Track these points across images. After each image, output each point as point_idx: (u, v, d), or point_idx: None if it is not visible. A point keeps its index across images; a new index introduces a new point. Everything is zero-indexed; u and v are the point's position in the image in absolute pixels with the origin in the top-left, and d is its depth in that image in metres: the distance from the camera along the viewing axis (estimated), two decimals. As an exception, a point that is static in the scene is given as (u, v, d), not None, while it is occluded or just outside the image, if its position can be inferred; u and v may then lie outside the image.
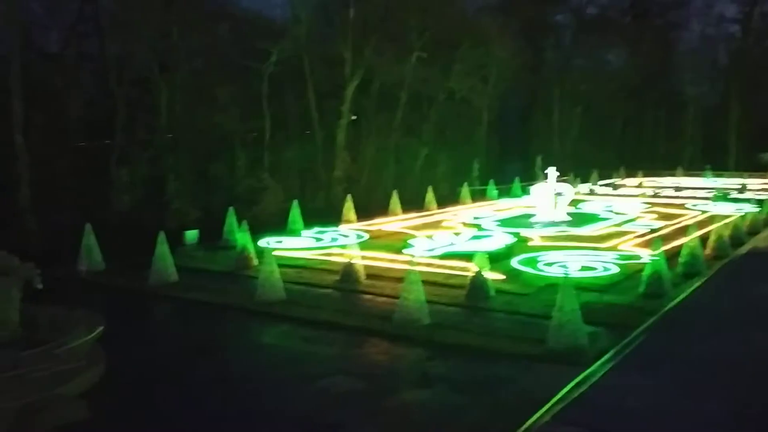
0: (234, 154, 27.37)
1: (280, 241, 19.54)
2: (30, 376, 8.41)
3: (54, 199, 21.69)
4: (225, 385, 9.83)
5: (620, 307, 13.06)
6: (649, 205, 28.62)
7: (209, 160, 26.68)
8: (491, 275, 14.13)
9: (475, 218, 24.73)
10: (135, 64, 25.81)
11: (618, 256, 17.24)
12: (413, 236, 20.55)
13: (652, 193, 33.72)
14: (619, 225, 22.91)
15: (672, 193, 34.00)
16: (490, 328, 12.02)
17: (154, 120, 25.76)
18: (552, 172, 24.47)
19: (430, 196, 28.46)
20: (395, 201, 26.67)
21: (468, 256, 15.45)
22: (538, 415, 6.21)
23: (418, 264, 14.19)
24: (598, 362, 8.30)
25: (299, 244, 19.48)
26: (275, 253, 15.18)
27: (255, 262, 16.72)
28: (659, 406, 6.68)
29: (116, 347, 9.84)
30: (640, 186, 37.79)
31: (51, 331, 9.36)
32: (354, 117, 32.73)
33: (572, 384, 7.96)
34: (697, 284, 14.90)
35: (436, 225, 23.26)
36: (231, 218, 20.09)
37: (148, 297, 15.12)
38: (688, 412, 6.62)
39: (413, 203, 27.69)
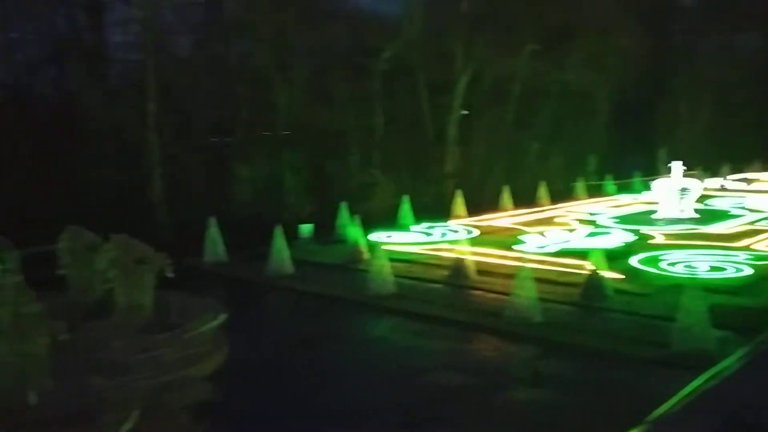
0: (347, 150, 28.00)
1: (390, 236, 19.80)
2: (162, 358, 9.07)
3: (182, 194, 23.19)
4: (336, 373, 10.12)
5: (753, 310, 12.09)
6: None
7: (324, 156, 27.48)
8: (609, 274, 13.56)
9: (592, 214, 23.80)
10: (255, 64, 27.04)
11: (751, 257, 15.99)
12: (525, 232, 20.11)
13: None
14: (752, 223, 21.23)
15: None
16: (607, 329, 11.55)
17: (272, 118, 26.88)
18: (677, 165, 23.06)
19: (542, 191, 27.70)
20: (506, 196, 26.21)
21: (583, 254, 14.90)
22: (667, 405, 5.95)
23: (530, 261, 13.88)
24: (729, 359, 7.81)
25: (409, 239, 19.64)
26: (385, 247, 15.40)
27: (366, 256, 17.05)
28: None
29: (236, 335, 10.41)
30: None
31: (180, 317, 10.05)
32: (465, 112, 32.46)
33: (703, 378, 7.53)
34: None
35: (548, 221, 22.63)
36: (343, 213, 20.61)
37: (265, 287, 15.85)
38: None
39: (525, 199, 27.09)
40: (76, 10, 23.92)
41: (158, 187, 22.49)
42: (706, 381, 6.99)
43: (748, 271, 14.72)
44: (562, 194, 29.59)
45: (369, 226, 19.67)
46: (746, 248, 17.19)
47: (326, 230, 20.80)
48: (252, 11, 26.28)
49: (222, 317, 10.09)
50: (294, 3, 26.37)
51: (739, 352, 9.19)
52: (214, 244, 17.95)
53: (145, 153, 22.54)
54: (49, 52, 24.18)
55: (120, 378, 8.39)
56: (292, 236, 19.00)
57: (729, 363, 7.52)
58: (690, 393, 6.39)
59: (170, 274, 9.77)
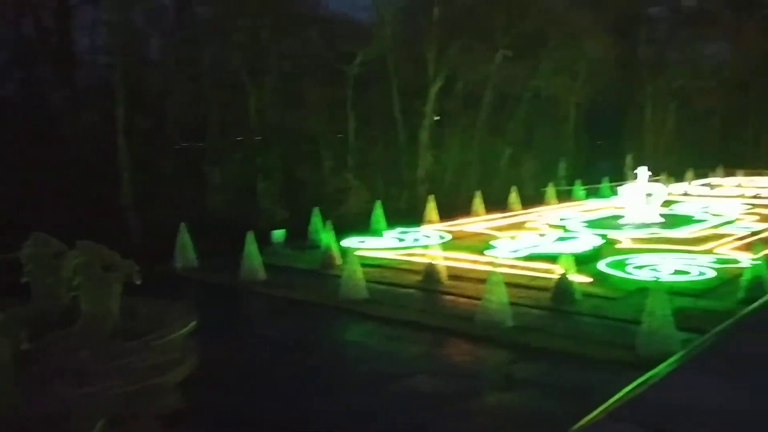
0: (320, 155, 27.98)
1: (363, 241, 19.81)
2: (130, 366, 8.94)
3: (153, 198, 22.92)
4: (309, 379, 10.09)
5: (717, 313, 12.38)
6: (750, 207, 26.95)
7: (297, 161, 27.41)
8: (578, 278, 13.76)
9: (561, 219, 24.13)
10: (227, 68, 26.89)
11: (715, 260, 16.37)
12: (496, 237, 20.31)
13: (753, 194, 31.71)
14: (716, 227, 21.73)
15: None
16: (577, 332, 11.72)
17: (245, 122, 26.74)
18: (643, 171, 23.52)
19: (514, 196, 28.00)
20: (478, 201, 26.43)
21: (553, 258, 15.10)
22: (595, 413, 6.02)
23: (502, 265, 14.01)
24: (665, 363, 7.95)
25: (382, 244, 19.68)
26: (358, 252, 15.42)
27: (339, 261, 17.03)
28: (725, 406, 6.30)
29: (208, 341, 10.30)
30: (739, 186, 35.59)
31: (148, 324, 9.91)
32: (437, 117, 32.67)
33: (635, 383, 7.65)
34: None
35: (520, 226, 22.88)
36: (316, 218, 20.58)
37: (237, 293, 15.74)
38: (758, 413, 6.22)
39: (497, 204, 27.34)
40: (43, 13, 23.50)
41: (128, 191, 22.19)
42: (635, 387, 7.07)
43: (712, 274, 15.07)
44: (532, 199, 29.95)
45: (342, 231, 19.66)
46: (710, 252, 17.59)
47: (299, 235, 20.75)
48: (224, 15, 26.14)
49: (193, 324, 9.99)
50: (268, 8, 26.30)
51: (675, 356, 9.32)
52: (186, 249, 17.79)
53: (115, 157, 22.25)
54: (15, 55, 23.74)
55: (87, 387, 8.24)
56: (264, 241, 18.91)
57: (660, 368, 7.62)
58: (617, 400, 6.46)
59: (137, 281, 9.64)
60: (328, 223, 18.24)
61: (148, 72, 25.72)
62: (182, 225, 17.87)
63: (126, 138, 22.36)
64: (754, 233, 19.80)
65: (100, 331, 9.42)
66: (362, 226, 22.12)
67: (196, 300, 14.27)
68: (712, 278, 14.81)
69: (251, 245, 16.29)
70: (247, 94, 25.94)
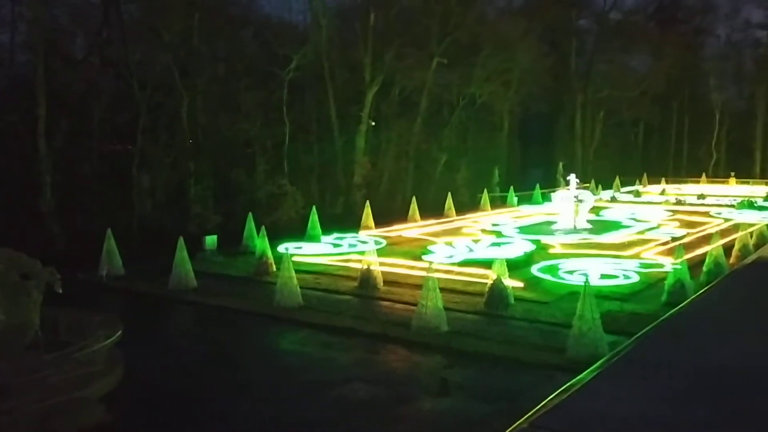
0: (254, 160, 27.50)
1: (300, 247, 19.57)
2: (51, 380, 8.49)
3: (77, 203, 21.96)
4: (242, 391, 9.83)
5: (642, 316, 12.83)
6: (672, 213, 28.24)
7: (230, 165, 26.84)
8: (511, 283, 14.00)
9: (495, 225, 24.57)
10: (157, 69, 26.08)
11: (640, 265, 17.00)
12: (432, 243, 20.47)
13: (675, 201, 33.27)
14: (641, 233, 22.62)
15: (696, 200, 33.51)
16: (510, 337, 11.89)
17: (175, 125, 26.00)
18: (573, 179, 24.26)
19: (449, 202, 28.35)
20: (414, 207, 26.59)
21: (487, 264, 15.32)
22: (518, 422, 6.13)
23: (437, 271, 14.10)
24: (587, 371, 8.16)
25: (318, 250, 19.50)
26: (294, 258, 15.20)
27: (273, 268, 16.74)
28: (640, 413, 6.56)
29: (134, 352, 9.90)
30: (663, 193, 37.29)
31: (71, 335, 9.45)
32: (373, 123, 32.75)
33: (557, 391, 7.83)
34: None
35: (455, 232, 23.15)
36: (250, 224, 20.16)
37: (167, 302, 15.21)
38: (670, 420, 6.50)
39: (433, 210, 27.59)
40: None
41: (49, 196, 21.16)
42: (557, 395, 7.21)
43: (637, 278, 15.64)
44: (468, 205, 30.40)
45: (277, 236, 19.35)
46: (636, 256, 18.27)
47: (233, 241, 20.29)
48: (154, 14, 25.34)
49: (118, 335, 9.59)
50: (200, 8, 25.69)
51: (599, 362, 9.50)
52: (112, 256, 17.05)
53: (35, 160, 21.19)
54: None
55: (2, 402, 7.79)
56: (196, 248, 18.37)
57: (582, 375, 7.81)
58: (540, 408, 6.59)
59: (59, 290, 9.18)
60: (263, 229, 17.91)
61: (71, 71, 24.63)
62: (109, 231, 17.15)
63: (47, 140, 21.35)
64: (675, 239, 20.69)
65: (17, 342, 8.93)
66: (298, 231, 21.86)
67: (122, 310, 13.69)
68: (638, 282, 15.36)
69: (182, 252, 15.79)
70: (178, 96, 25.24)
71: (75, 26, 25.54)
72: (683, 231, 22.76)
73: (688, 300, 12.70)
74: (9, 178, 20.90)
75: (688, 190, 38.86)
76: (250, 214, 20.49)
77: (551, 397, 7.07)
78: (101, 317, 9.96)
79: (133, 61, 24.59)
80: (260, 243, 17.56)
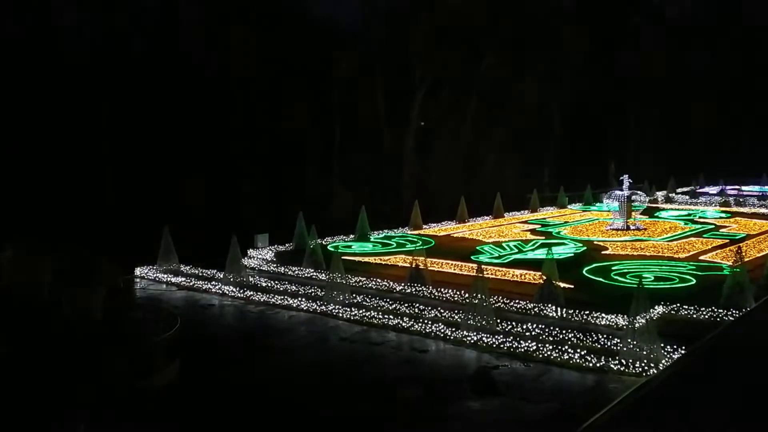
0: (305, 160, 27.91)
1: (349, 246, 19.76)
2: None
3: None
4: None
5: (698, 320, 12.51)
6: (731, 215, 27.32)
7: (281, 165, 27.25)
8: (561, 284, 13.83)
9: (545, 225, 24.29)
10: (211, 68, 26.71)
11: (697, 267, 16.56)
12: (482, 242, 20.37)
13: (734, 202, 32.15)
14: (698, 234, 22.00)
15: (756, 201, 32.30)
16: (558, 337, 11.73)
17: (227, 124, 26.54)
18: (626, 179, 23.77)
19: (498, 202, 28.14)
20: (463, 207, 26.50)
21: (537, 264, 15.17)
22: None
23: (486, 271, 14.03)
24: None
25: (367, 249, 19.68)
26: (344, 257, 15.36)
27: (324, 266, 16.92)
28: None
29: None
30: (721, 194, 36.06)
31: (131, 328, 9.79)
32: (423, 123, 32.79)
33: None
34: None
35: (505, 232, 22.98)
36: (301, 223, 20.30)
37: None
38: None
39: (482, 210, 27.44)
40: None
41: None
42: None
43: (692, 281, 15.23)
44: (517, 205, 30.11)
45: (327, 235, 19.48)
46: (692, 259, 17.78)
47: (283, 240, 20.57)
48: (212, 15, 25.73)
49: (175, 328, 9.90)
50: (255, 8, 26.09)
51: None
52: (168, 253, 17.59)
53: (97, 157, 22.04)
54: None
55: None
56: (247, 245, 18.77)
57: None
58: None
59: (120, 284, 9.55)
60: (313, 228, 18.07)
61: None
62: (165, 228, 17.71)
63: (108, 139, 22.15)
64: (734, 241, 20.00)
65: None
66: (348, 230, 21.99)
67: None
68: (693, 285, 14.96)
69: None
70: (230, 95, 25.70)
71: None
72: (744, 233, 22.03)
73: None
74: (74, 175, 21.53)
75: (749, 191, 37.46)
76: (301, 212, 20.75)
77: None
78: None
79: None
80: (311, 241, 17.78)
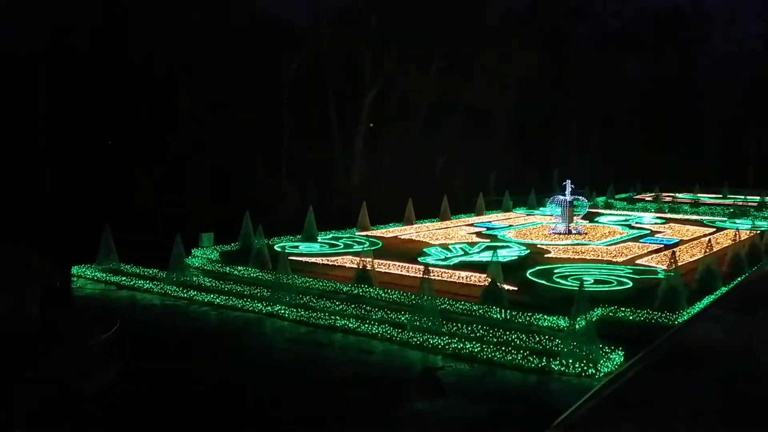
0: (253, 159, 27.55)
1: (296, 246, 19.59)
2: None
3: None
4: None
5: (634, 321, 12.94)
6: (665, 221, 28.42)
7: (229, 163, 26.84)
8: (506, 286, 14.08)
9: (490, 229, 24.68)
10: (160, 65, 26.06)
11: (633, 271, 17.14)
12: (427, 245, 20.55)
13: (669, 209, 33.43)
14: (635, 239, 22.76)
15: (689, 208, 33.68)
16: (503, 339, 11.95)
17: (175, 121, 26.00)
18: (568, 184, 24.39)
19: (445, 205, 28.44)
20: (411, 209, 26.63)
21: (482, 267, 15.38)
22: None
23: (432, 273, 14.15)
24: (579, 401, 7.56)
25: (314, 250, 19.56)
26: (290, 258, 15.22)
27: (270, 266, 16.75)
28: None
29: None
30: (656, 200, 37.44)
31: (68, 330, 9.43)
32: (372, 125, 32.86)
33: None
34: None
35: (450, 234, 23.24)
36: (247, 222, 20.04)
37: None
38: None
39: (429, 212, 27.67)
40: None
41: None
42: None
43: (629, 284, 15.75)
44: (464, 208, 30.50)
45: (274, 235, 19.25)
46: (629, 263, 18.39)
47: (229, 239, 20.27)
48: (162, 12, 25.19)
49: (113, 329, 9.61)
50: (206, 8, 25.66)
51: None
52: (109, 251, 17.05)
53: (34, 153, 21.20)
54: None
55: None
56: (191, 245, 18.37)
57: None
58: None
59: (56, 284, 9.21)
60: (259, 227, 17.88)
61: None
62: (107, 225, 17.17)
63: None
64: (667, 246, 20.78)
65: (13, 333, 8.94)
66: (295, 231, 21.86)
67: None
68: (630, 288, 15.47)
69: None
70: (179, 92, 25.21)
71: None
72: (676, 239, 22.93)
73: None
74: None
75: (682, 198, 39.02)
76: (247, 212, 20.46)
77: None
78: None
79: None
80: (258, 241, 17.55)
